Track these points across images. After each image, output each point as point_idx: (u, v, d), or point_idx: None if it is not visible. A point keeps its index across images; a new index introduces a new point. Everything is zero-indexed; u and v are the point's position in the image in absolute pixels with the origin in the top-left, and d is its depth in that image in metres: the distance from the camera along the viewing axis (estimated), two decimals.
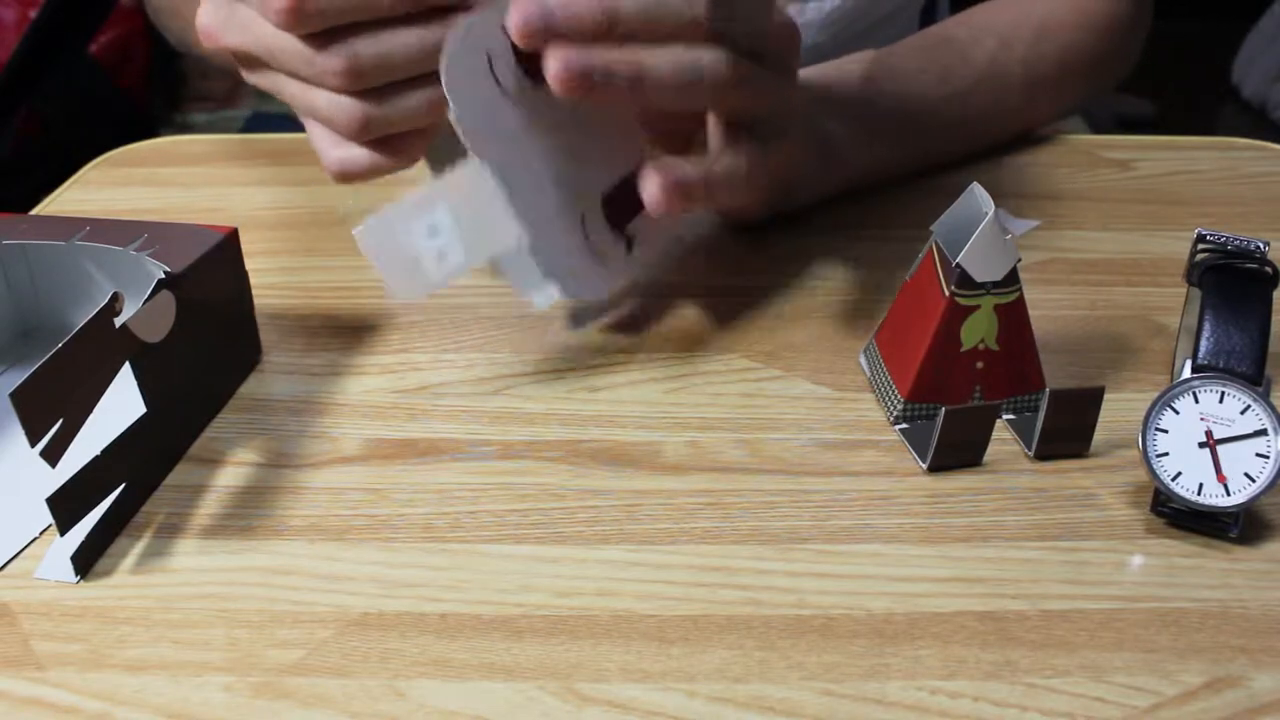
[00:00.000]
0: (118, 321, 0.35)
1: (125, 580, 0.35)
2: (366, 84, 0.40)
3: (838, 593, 0.34)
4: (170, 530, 0.37)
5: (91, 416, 0.35)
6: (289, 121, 0.53)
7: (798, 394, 0.44)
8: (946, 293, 0.39)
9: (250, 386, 0.44)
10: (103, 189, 0.61)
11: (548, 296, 0.44)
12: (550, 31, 0.38)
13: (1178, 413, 0.37)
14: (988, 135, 0.64)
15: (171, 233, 0.42)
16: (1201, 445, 0.36)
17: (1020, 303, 0.40)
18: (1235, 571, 0.35)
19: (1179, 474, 0.36)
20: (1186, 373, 0.37)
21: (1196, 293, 0.39)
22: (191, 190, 0.62)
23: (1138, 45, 0.70)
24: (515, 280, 0.45)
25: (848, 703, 0.31)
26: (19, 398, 0.31)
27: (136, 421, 0.37)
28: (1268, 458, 0.36)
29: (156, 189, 0.62)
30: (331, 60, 0.39)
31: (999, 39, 0.62)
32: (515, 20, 0.38)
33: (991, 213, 0.38)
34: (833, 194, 0.57)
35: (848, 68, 0.58)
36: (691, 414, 0.43)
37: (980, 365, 0.41)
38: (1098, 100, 0.75)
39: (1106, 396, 0.39)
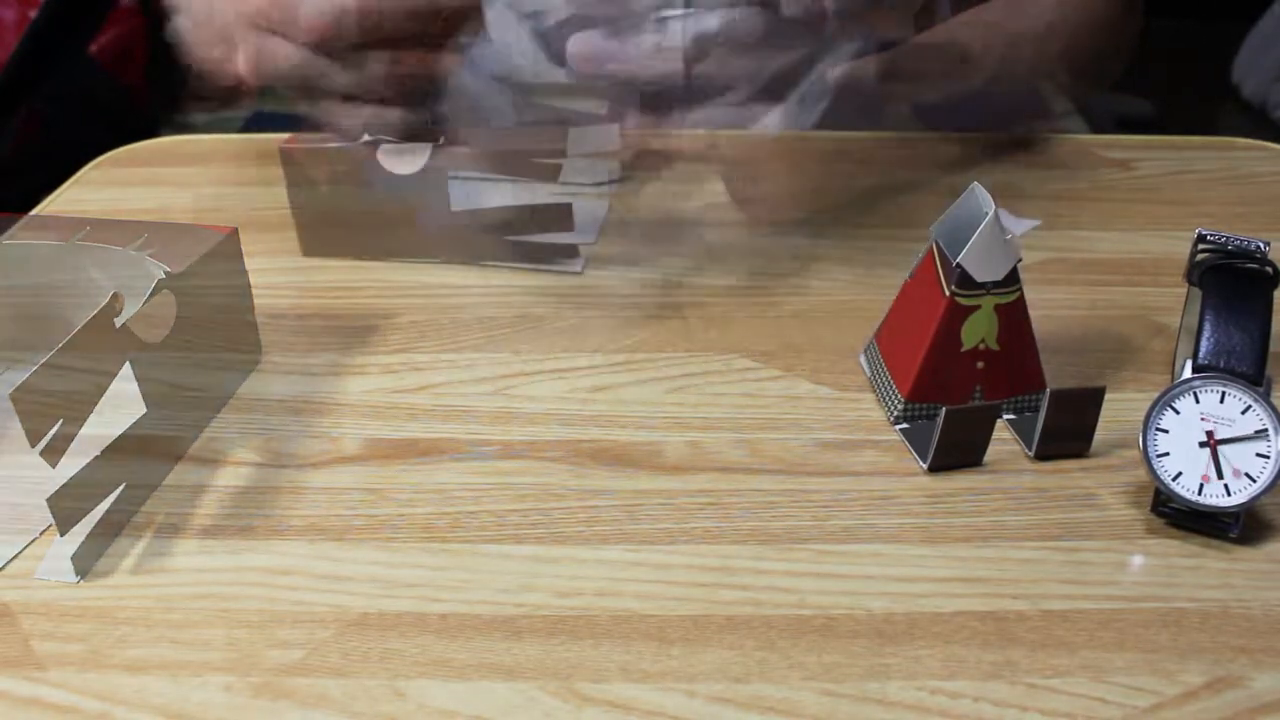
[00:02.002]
0: (118, 321, 0.35)
1: (125, 580, 0.35)
2: None
3: (838, 593, 0.34)
4: (170, 530, 0.37)
5: (91, 416, 0.35)
6: (289, 121, 0.53)
7: (798, 394, 0.44)
8: (947, 293, 0.39)
9: (250, 386, 0.44)
10: (103, 189, 0.61)
11: None
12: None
13: (1178, 413, 0.37)
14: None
15: (171, 233, 0.42)
16: (1202, 445, 0.36)
17: (1020, 302, 0.40)
18: (1235, 571, 0.35)
19: (1179, 474, 0.36)
20: (1187, 373, 0.37)
21: (1197, 293, 0.39)
22: (191, 190, 0.61)
23: (1132, 44, 0.70)
24: None
25: (848, 703, 0.31)
26: (19, 398, 0.31)
27: (136, 422, 0.37)
28: (1268, 458, 0.36)
29: (156, 189, 0.62)
30: None
31: (1007, 42, 0.62)
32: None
33: (991, 213, 0.38)
34: None
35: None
36: (692, 414, 0.43)
37: (981, 365, 0.41)
38: (1098, 100, 0.75)
39: (1107, 396, 0.39)
